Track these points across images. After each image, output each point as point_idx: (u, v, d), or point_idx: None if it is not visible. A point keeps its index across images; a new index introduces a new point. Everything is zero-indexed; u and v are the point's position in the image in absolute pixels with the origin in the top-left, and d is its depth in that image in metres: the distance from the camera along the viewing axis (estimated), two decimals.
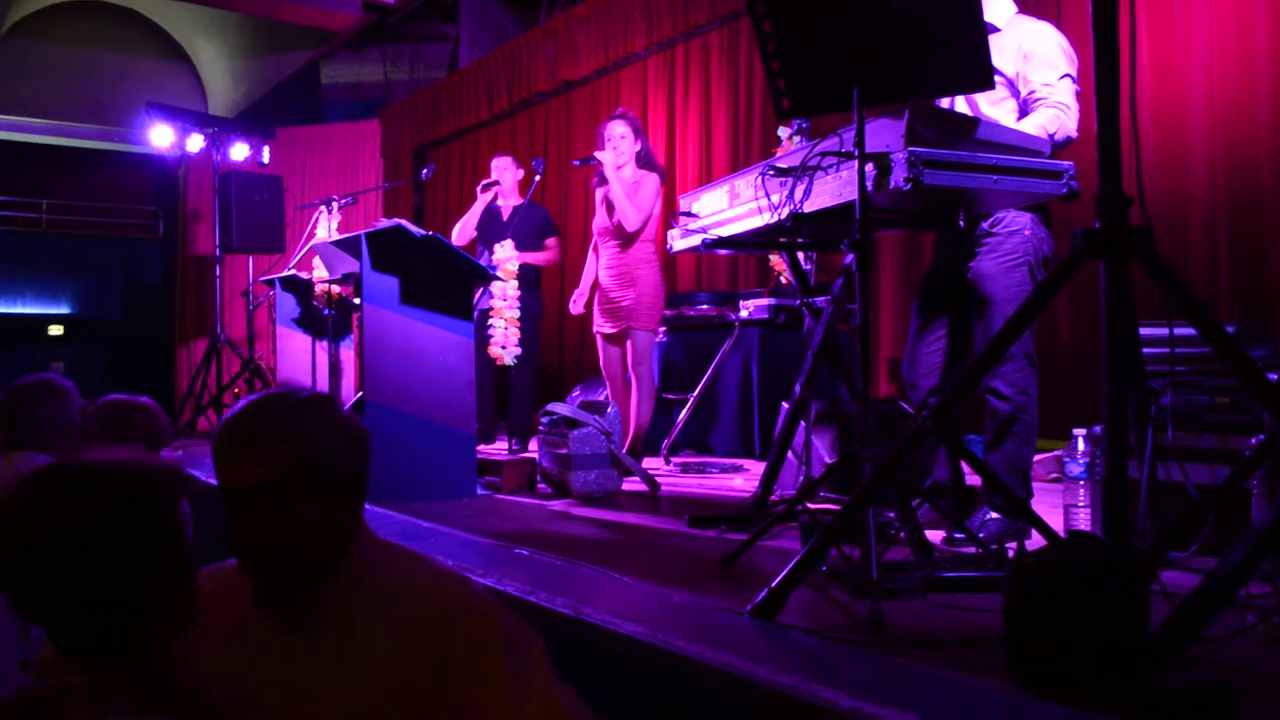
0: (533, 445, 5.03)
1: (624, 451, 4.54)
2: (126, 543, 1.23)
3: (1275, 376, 2.60)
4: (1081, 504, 2.92)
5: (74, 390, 3.01)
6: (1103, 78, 1.95)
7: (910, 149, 2.48)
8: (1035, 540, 2.69)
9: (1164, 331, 2.51)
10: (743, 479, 4.95)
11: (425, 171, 6.12)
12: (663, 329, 6.22)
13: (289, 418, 1.46)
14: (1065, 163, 2.74)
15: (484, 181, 5.92)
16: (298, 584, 1.45)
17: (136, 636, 1.26)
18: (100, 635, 1.23)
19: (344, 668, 1.42)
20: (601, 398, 5.38)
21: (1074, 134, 3.07)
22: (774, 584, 2.16)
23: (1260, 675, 1.81)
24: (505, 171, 5.96)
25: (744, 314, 5.84)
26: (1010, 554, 2.56)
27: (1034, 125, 3.05)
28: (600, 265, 5.16)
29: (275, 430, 1.44)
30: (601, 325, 5.14)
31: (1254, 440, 2.55)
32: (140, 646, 1.26)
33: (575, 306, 5.46)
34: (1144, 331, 2.61)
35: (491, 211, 5.89)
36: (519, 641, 1.48)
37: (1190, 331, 2.08)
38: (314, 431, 1.47)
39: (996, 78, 3.10)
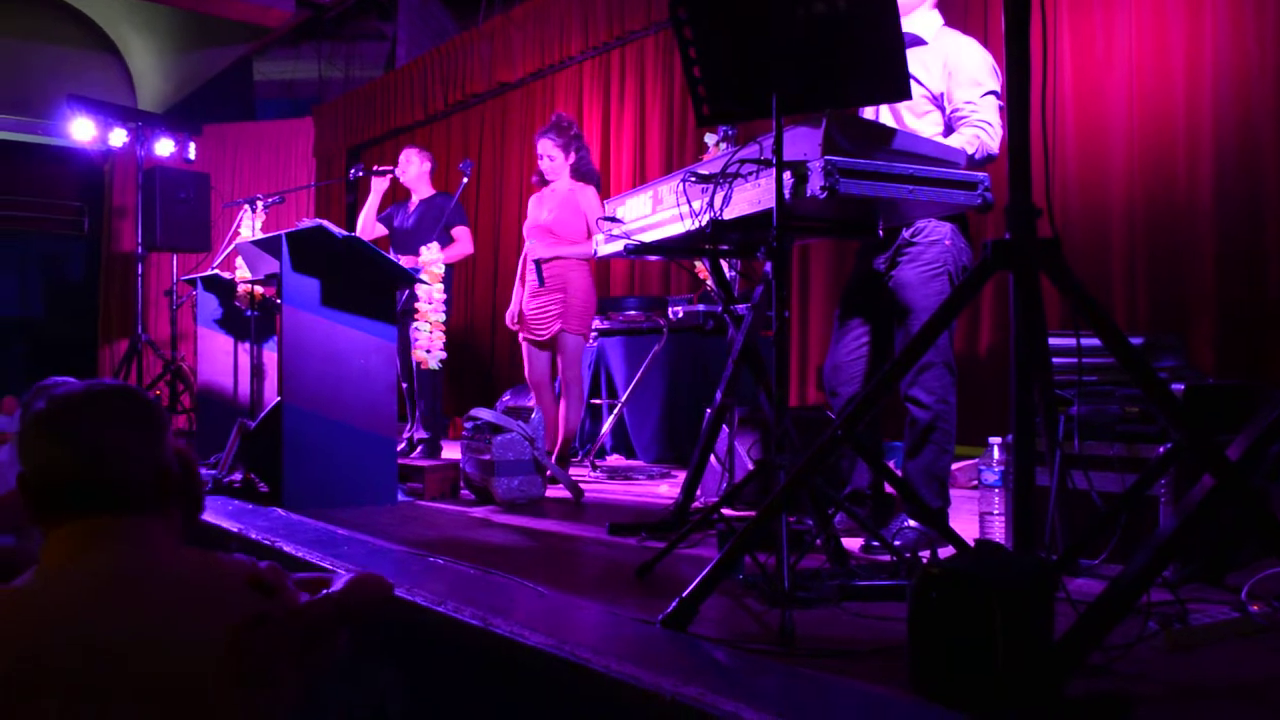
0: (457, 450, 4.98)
1: (551, 458, 4.50)
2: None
3: (1182, 387, 2.64)
4: (996, 512, 2.94)
5: None
6: (1013, 90, 1.96)
7: (827, 157, 2.48)
8: (952, 549, 2.70)
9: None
10: (668, 485, 4.93)
11: (353, 171, 6.00)
12: (593, 334, 6.19)
13: None
14: (981, 174, 2.76)
15: (376, 167, 5.75)
16: None
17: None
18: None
19: None
20: (530, 403, 5.33)
21: (995, 152, 3.08)
22: (685, 593, 2.14)
23: (1160, 683, 1.83)
24: (409, 164, 5.72)
25: (673, 319, 5.83)
26: (925, 562, 2.57)
27: (955, 145, 3.06)
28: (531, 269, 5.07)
29: None
30: (530, 331, 5.06)
31: (1162, 449, 2.59)
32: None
33: (512, 322, 5.27)
34: (1058, 342, 2.65)
35: (400, 206, 5.77)
36: None
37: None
38: None
39: (921, 91, 3.14)
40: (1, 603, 1.43)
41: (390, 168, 5.68)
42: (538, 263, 4.97)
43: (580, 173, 5.06)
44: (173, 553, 1.56)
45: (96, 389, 1.54)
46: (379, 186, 5.67)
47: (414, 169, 5.71)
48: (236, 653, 1.48)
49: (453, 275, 5.59)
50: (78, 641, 1.39)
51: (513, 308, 5.23)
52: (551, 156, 4.99)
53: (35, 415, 1.50)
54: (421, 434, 5.38)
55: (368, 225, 5.71)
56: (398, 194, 5.87)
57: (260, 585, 1.61)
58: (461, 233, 5.59)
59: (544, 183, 5.10)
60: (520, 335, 5.11)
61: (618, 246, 3.48)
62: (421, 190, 5.72)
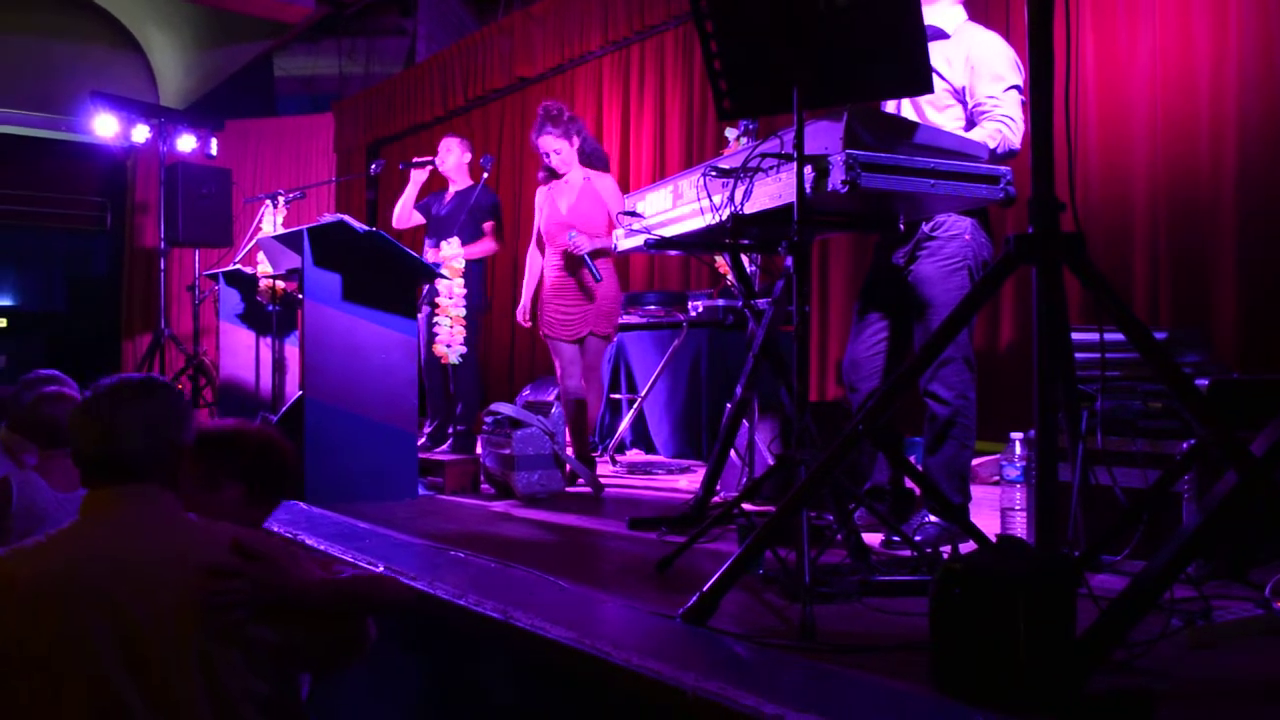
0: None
1: (571, 452, 4.50)
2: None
3: (1206, 382, 2.62)
4: (1018, 507, 2.93)
5: None
6: (1037, 84, 1.95)
7: (848, 151, 2.47)
8: (972, 544, 2.69)
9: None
10: (688, 480, 4.93)
11: (374, 167, 6.01)
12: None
13: None
14: (1003, 168, 2.75)
15: (415, 159, 5.72)
16: None
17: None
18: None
19: None
20: (550, 398, 5.31)
21: (1017, 146, 3.06)
22: (705, 588, 2.14)
23: (1183, 680, 1.82)
24: (449, 153, 5.64)
25: (693, 314, 5.82)
26: (946, 557, 2.56)
27: (977, 139, 3.04)
28: (551, 265, 4.86)
29: None
30: (556, 330, 4.83)
31: (1185, 445, 2.58)
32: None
33: (525, 319, 5.12)
34: (1080, 337, 2.64)
35: (437, 196, 5.75)
36: None
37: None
38: None
39: (943, 85, 3.12)
40: (39, 548, 1.74)
41: (430, 158, 5.65)
42: (588, 256, 4.68)
43: (587, 154, 4.91)
44: (173, 518, 1.84)
45: (121, 380, 1.85)
46: (418, 177, 5.64)
47: (454, 158, 5.64)
48: (191, 595, 1.71)
49: (483, 269, 5.52)
50: (73, 584, 1.69)
51: (524, 304, 5.07)
52: (557, 150, 4.82)
53: (80, 401, 1.85)
54: (460, 427, 5.37)
55: (405, 213, 5.69)
56: (435, 183, 5.84)
57: (240, 550, 1.80)
58: (492, 228, 5.50)
59: (552, 176, 4.97)
60: (542, 334, 4.92)
61: (638, 241, 3.48)
62: (459, 180, 5.66)
